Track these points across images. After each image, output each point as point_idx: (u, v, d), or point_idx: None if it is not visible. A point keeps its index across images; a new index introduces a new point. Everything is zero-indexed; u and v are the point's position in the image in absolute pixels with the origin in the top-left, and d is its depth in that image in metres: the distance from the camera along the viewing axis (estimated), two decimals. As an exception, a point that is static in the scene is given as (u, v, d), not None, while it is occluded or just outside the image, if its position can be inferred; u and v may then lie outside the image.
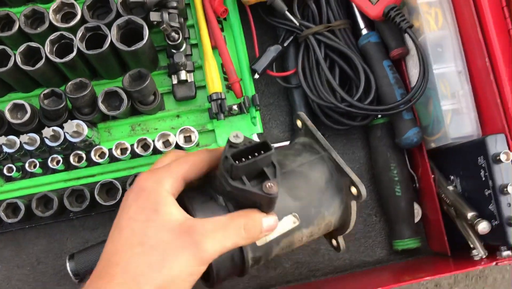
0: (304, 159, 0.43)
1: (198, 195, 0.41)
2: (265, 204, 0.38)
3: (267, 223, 0.38)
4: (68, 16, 0.53)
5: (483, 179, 0.47)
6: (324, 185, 0.42)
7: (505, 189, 0.44)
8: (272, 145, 0.36)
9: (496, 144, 0.46)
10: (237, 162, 0.36)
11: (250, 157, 0.36)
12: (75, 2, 0.52)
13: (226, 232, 0.37)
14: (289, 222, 0.40)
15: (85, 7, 0.52)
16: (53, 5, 0.52)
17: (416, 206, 0.57)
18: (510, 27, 0.47)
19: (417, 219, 0.57)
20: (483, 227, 0.46)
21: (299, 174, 0.42)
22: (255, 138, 0.56)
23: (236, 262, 0.41)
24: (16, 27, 0.51)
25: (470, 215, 0.48)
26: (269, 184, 0.36)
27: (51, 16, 0.51)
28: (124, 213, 0.37)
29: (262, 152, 0.36)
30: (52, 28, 0.51)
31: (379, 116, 0.56)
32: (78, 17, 0.51)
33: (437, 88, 0.50)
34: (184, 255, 0.35)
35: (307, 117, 0.45)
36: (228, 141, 0.36)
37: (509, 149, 0.46)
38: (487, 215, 0.47)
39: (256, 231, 0.38)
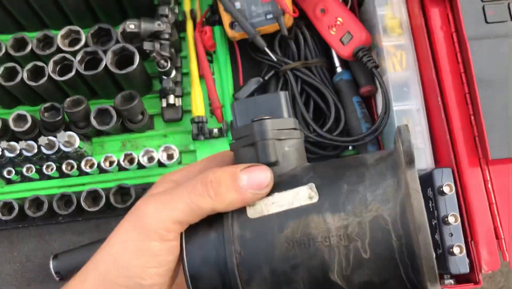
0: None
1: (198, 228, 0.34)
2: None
3: (250, 175, 0.29)
4: (75, 41, 0.60)
5: (431, 209, 0.50)
6: (373, 162, 0.30)
7: (446, 219, 0.47)
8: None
9: (442, 177, 0.49)
10: None
11: None
12: (81, 30, 0.59)
13: (176, 191, 0.30)
14: (301, 194, 0.29)
15: (89, 34, 0.60)
16: (62, 31, 0.59)
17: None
18: (462, 70, 0.50)
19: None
20: (427, 254, 0.48)
21: (342, 159, 0.33)
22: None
23: (218, 251, 0.29)
24: (28, 49, 0.59)
25: (418, 243, 0.51)
26: (259, 116, 0.31)
27: (59, 40, 0.59)
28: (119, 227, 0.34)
29: None
30: (59, 51, 0.59)
31: (350, 148, 0.60)
32: (82, 42, 0.59)
33: (395, 124, 0.54)
34: (125, 230, 0.31)
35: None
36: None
37: (455, 182, 0.49)
38: (434, 245, 0.50)
39: (228, 187, 0.29)
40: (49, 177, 0.61)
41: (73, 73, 0.56)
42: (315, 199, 0.29)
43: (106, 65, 0.56)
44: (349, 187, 0.29)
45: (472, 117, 0.50)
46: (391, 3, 0.56)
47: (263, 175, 0.29)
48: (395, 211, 0.27)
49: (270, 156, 0.30)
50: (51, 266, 0.58)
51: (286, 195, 0.29)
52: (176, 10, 0.63)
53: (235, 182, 0.29)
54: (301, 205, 0.29)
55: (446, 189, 0.48)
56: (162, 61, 0.58)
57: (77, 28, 0.59)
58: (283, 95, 0.32)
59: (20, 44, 0.60)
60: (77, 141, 0.57)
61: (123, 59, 0.57)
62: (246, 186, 0.29)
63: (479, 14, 0.50)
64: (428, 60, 0.52)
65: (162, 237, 0.29)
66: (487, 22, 0.50)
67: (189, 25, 0.63)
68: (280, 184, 0.30)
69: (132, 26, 0.57)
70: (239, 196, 0.29)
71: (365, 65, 0.56)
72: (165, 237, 0.30)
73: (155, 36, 0.58)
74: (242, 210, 0.30)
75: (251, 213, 0.30)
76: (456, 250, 0.47)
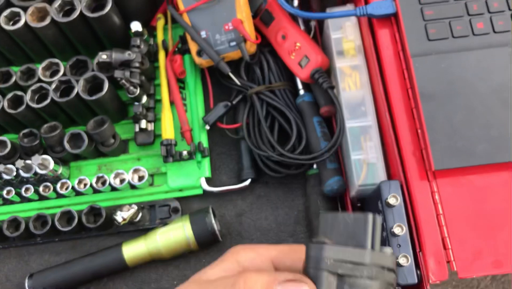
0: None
1: None
2: None
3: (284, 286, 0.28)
4: (55, 73, 0.65)
5: (382, 222, 0.50)
6: None
7: (392, 230, 0.48)
8: (377, 217, 0.27)
9: (389, 189, 0.50)
10: None
11: None
12: (60, 62, 0.64)
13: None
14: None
15: (68, 66, 0.64)
16: (43, 64, 0.64)
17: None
18: (408, 86, 0.52)
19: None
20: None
21: None
22: (203, 183, 0.64)
23: None
24: (12, 80, 0.64)
25: (371, 256, 0.51)
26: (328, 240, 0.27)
27: (41, 72, 0.63)
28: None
29: None
30: (40, 81, 0.63)
31: (314, 166, 0.62)
32: (61, 73, 0.63)
33: (348, 141, 0.55)
34: None
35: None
36: None
37: (403, 194, 0.50)
38: (386, 257, 0.50)
39: None
40: (29, 200, 0.64)
41: (48, 100, 0.60)
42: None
43: (78, 92, 0.60)
44: None
45: (419, 131, 0.51)
46: (345, 27, 0.58)
47: None
48: None
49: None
50: (26, 285, 0.60)
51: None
52: (152, 42, 0.68)
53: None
54: None
55: (392, 201, 0.49)
56: (132, 88, 0.61)
57: (56, 60, 0.64)
58: (370, 220, 0.27)
59: (6, 76, 0.65)
60: (51, 164, 0.60)
61: (96, 86, 0.61)
62: None
63: (421, 33, 0.52)
64: (378, 78, 0.54)
65: None
66: (429, 40, 0.52)
67: (161, 55, 0.67)
68: None
69: (104, 57, 0.61)
70: None
71: (321, 86, 0.58)
72: None
73: (126, 65, 0.62)
74: None
75: None
76: (402, 260, 0.47)
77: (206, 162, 0.64)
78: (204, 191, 0.64)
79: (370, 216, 0.27)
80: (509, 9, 0.52)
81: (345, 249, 0.26)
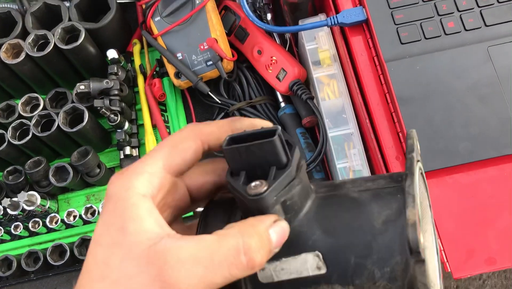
0: (374, 185, 0.29)
1: (220, 208, 0.31)
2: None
3: (276, 233, 0.27)
4: (35, 107, 0.64)
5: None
6: (381, 226, 0.27)
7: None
8: (280, 131, 0.27)
9: (376, 195, 0.50)
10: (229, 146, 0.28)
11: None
12: (39, 96, 0.64)
13: (212, 261, 0.25)
14: (309, 263, 0.27)
15: (47, 99, 0.64)
16: (22, 99, 0.64)
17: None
18: (386, 91, 0.52)
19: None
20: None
21: (349, 201, 0.29)
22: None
23: None
24: (-8, 119, 0.63)
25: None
26: (255, 183, 0.26)
27: (20, 108, 0.63)
28: (94, 233, 0.27)
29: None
30: (21, 117, 0.63)
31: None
32: (41, 107, 0.63)
33: (332, 150, 0.55)
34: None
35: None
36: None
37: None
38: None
39: (261, 248, 0.26)
40: (20, 237, 0.64)
41: (29, 136, 0.60)
42: (323, 270, 0.27)
43: (58, 125, 0.60)
44: (356, 260, 0.27)
45: (400, 135, 0.51)
46: (318, 37, 0.59)
47: (285, 231, 0.27)
48: None
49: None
50: (23, 323, 0.60)
51: (294, 262, 0.27)
52: (130, 67, 0.68)
53: (269, 244, 0.26)
54: (310, 275, 0.27)
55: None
56: (112, 116, 0.61)
57: (35, 95, 0.64)
58: (277, 141, 0.27)
59: (-14, 115, 0.65)
60: (38, 199, 0.60)
61: (76, 118, 0.61)
62: (274, 245, 0.27)
63: (394, 37, 0.53)
64: (355, 85, 0.54)
65: None
66: (402, 43, 0.52)
67: (140, 80, 0.67)
68: (287, 243, 0.28)
69: (82, 87, 0.61)
70: (268, 258, 0.27)
71: (300, 98, 0.58)
72: None
73: (105, 93, 0.62)
74: (253, 273, 0.27)
75: (262, 277, 0.28)
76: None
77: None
78: (194, 212, 0.64)
79: (275, 138, 0.27)
80: (478, 6, 0.53)
81: (279, 182, 0.27)
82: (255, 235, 0.26)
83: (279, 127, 0.27)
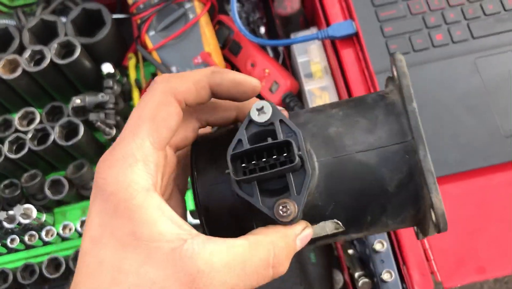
0: (378, 140, 0.27)
1: (210, 162, 0.28)
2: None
3: (301, 241, 0.27)
4: (32, 121, 0.65)
5: (364, 240, 0.51)
6: (394, 190, 0.27)
7: (373, 247, 0.48)
8: (301, 149, 0.25)
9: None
10: (240, 161, 0.26)
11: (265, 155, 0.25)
12: (35, 110, 0.65)
13: (244, 270, 0.24)
14: (328, 227, 0.28)
15: (44, 113, 0.65)
16: (18, 113, 0.64)
17: (338, 273, 0.61)
18: (376, 103, 0.53)
19: (338, 287, 0.60)
20: (361, 284, 0.49)
21: (357, 166, 0.27)
22: (187, 216, 0.64)
23: None
24: (-10, 133, 0.64)
25: (356, 274, 0.51)
26: (283, 205, 0.25)
27: (17, 122, 0.64)
28: (87, 233, 0.25)
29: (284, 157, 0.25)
30: (17, 131, 0.64)
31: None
32: (37, 121, 0.64)
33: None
34: None
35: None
36: (248, 116, 0.26)
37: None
38: (370, 274, 0.50)
39: (287, 260, 0.26)
40: (16, 250, 0.64)
41: (26, 150, 0.61)
42: (341, 229, 0.28)
43: (54, 139, 0.60)
44: (372, 218, 0.28)
45: (391, 146, 0.52)
46: (310, 50, 0.60)
47: (309, 236, 0.27)
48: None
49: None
50: (19, 336, 0.60)
51: (313, 228, 0.28)
52: (125, 81, 0.69)
53: (294, 252, 0.26)
54: (328, 233, 0.28)
55: (369, 217, 0.49)
56: (107, 129, 0.62)
57: (32, 109, 0.65)
58: (298, 163, 0.25)
59: (-17, 130, 0.65)
60: (34, 213, 0.60)
61: (72, 131, 0.62)
62: (299, 248, 0.27)
63: (383, 49, 0.54)
64: (346, 97, 0.55)
65: None
66: (391, 56, 0.53)
67: (136, 93, 0.68)
68: (304, 217, 0.27)
69: (78, 101, 0.62)
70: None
71: (292, 110, 0.59)
72: None
73: (100, 107, 0.63)
74: None
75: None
76: (386, 276, 0.48)
77: (189, 195, 0.64)
78: (190, 224, 0.64)
79: (296, 163, 0.25)
80: (465, 19, 0.53)
81: (304, 197, 0.25)
82: (285, 248, 0.25)
83: (293, 141, 0.25)
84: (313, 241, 0.28)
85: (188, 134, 0.29)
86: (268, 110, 0.26)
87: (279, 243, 0.25)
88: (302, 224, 0.27)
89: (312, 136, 0.28)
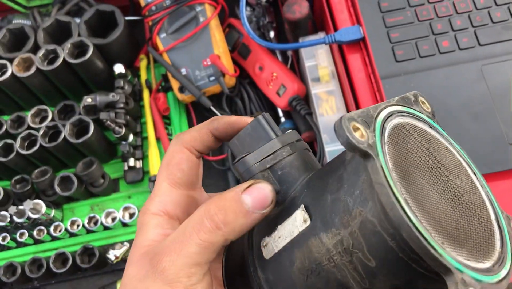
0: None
1: None
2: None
3: (252, 195, 0.28)
4: (44, 119, 0.67)
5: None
6: (350, 158, 0.26)
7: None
8: (264, 115, 0.31)
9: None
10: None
11: None
12: (48, 108, 0.66)
13: (184, 234, 0.28)
14: (297, 219, 0.27)
15: (56, 111, 0.66)
16: (32, 111, 0.66)
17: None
18: (381, 108, 0.54)
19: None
20: None
21: (337, 164, 0.27)
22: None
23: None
24: (3, 129, 0.66)
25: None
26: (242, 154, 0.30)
27: (30, 119, 0.66)
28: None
29: None
30: (30, 128, 0.66)
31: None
32: (49, 119, 0.65)
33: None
34: (145, 284, 0.28)
35: None
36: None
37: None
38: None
39: (227, 212, 0.28)
40: (25, 244, 0.66)
41: (37, 146, 0.62)
42: (309, 221, 0.27)
43: (65, 136, 0.62)
44: (331, 196, 0.26)
45: (395, 150, 0.52)
46: (317, 54, 0.60)
47: (265, 191, 0.28)
48: (377, 210, 0.23)
49: None
50: (25, 328, 0.61)
51: (287, 225, 0.28)
52: (136, 82, 0.70)
53: (241, 207, 0.28)
54: (299, 231, 0.27)
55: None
56: (117, 128, 0.63)
57: (44, 107, 0.66)
58: (262, 119, 0.30)
59: (-3, 126, 0.67)
60: (43, 208, 0.62)
61: (82, 129, 0.63)
62: (251, 207, 0.28)
63: (389, 55, 0.54)
64: (352, 102, 0.56)
65: (186, 284, 0.28)
66: (397, 61, 0.53)
67: (146, 94, 0.69)
68: (283, 212, 0.29)
69: (89, 100, 0.64)
70: (248, 220, 0.28)
71: (299, 113, 0.60)
72: (189, 283, 0.28)
73: (111, 106, 0.64)
74: (259, 253, 0.29)
75: (266, 253, 0.29)
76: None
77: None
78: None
79: (259, 117, 0.30)
80: (472, 26, 0.54)
81: (261, 149, 0.29)
82: (218, 201, 0.28)
83: (265, 114, 0.31)
84: (289, 256, 0.27)
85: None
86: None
87: (212, 201, 0.28)
88: (249, 182, 0.29)
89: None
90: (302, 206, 0.27)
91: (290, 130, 0.31)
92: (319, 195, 0.27)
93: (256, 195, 0.28)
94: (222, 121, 0.33)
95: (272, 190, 0.29)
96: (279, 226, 0.28)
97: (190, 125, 0.70)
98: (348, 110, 0.58)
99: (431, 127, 0.30)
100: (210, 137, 0.33)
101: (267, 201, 0.28)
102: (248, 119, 0.32)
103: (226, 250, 0.33)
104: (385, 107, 0.27)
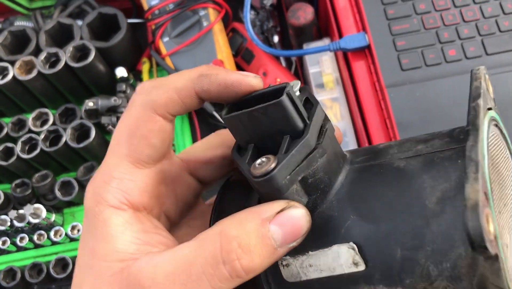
0: (426, 148, 0.23)
1: (237, 190, 0.26)
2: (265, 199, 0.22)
3: (283, 226, 0.21)
4: (46, 122, 0.66)
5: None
6: (435, 206, 0.20)
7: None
8: (291, 88, 0.22)
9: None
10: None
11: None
12: (49, 111, 0.66)
13: (190, 277, 0.21)
14: (343, 257, 0.22)
15: (57, 114, 0.66)
16: (33, 114, 0.65)
17: None
18: (386, 116, 0.53)
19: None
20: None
21: (393, 172, 0.22)
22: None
23: None
24: (4, 132, 0.65)
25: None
26: (261, 159, 0.21)
27: (31, 122, 0.65)
28: None
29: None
30: (31, 132, 0.65)
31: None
32: (50, 122, 0.65)
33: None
34: None
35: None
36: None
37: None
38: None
39: (252, 256, 0.21)
40: (25, 248, 0.65)
41: (38, 150, 0.62)
42: (362, 266, 0.21)
43: (66, 141, 0.61)
44: (404, 252, 0.20)
45: (399, 160, 0.51)
46: (322, 61, 0.60)
47: (300, 221, 0.21)
48: None
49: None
50: (24, 334, 0.61)
51: (324, 257, 0.22)
52: (138, 85, 0.69)
53: (269, 245, 0.21)
54: (345, 272, 0.21)
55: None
56: (119, 133, 0.63)
57: (45, 110, 0.66)
58: (286, 101, 0.21)
59: (-2, 128, 0.67)
60: (44, 213, 0.61)
61: (84, 133, 0.63)
62: (280, 242, 0.21)
63: (395, 63, 0.53)
64: (356, 109, 0.55)
65: None
66: (402, 70, 0.53)
67: (148, 98, 0.68)
68: (314, 232, 0.22)
69: (91, 104, 0.63)
70: (273, 259, 0.21)
71: (303, 120, 0.59)
72: None
73: (113, 110, 0.64)
74: (276, 270, 0.23)
75: (286, 275, 0.23)
76: None
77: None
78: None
79: (284, 98, 0.21)
80: (480, 35, 0.53)
81: (291, 156, 0.21)
82: (239, 236, 0.20)
83: (290, 83, 0.21)
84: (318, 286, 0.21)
85: (214, 163, 0.27)
86: (297, 86, 0.23)
87: (229, 232, 0.21)
88: (279, 205, 0.21)
89: (357, 151, 0.24)
90: (352, 243, 0.21)
91: (317, 104, 0.23)
92: (380, 240, 0.21)
93: (289, 228, 0.21)
94: (216, 81, 0.24)
95: (307, 216, 0.22)
96: (310, 252, 0.22)
97: (192, 130, 0.69)
98: (352, 118, 0.57)
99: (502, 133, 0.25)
100: (194, 100, 0.24)
101: (300, 233, 0.22)
102: (252, 80, 0.23)
103: None
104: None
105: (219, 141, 0.27)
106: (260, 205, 0.22)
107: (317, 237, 0.22)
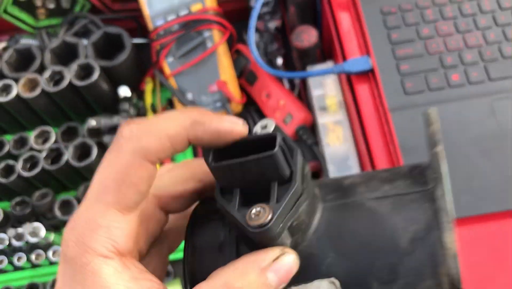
0: (392, 189, 0.25)
1: (210, 224, 0.26)
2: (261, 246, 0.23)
3: (278, 273, 0.23)
4: (48, 140, 0.66)
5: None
6: (408, 246, 0.23)
7: None
8: (281, 140, 0.23)
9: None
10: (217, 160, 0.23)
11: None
12: (51, 129, 0.66)
13: None
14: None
15: (59, 133, 0.66)
16: (35, 132, 0.65)
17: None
18: (389, 140, 0.53)
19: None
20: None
21: (366, 212, 0.24)
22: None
23: None
24: (6, 150, 0.65)
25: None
26: (256, 209, 0.22)
27: (33, 140, 0.65)
28: None
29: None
30: (32, 150, 0.65)
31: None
32: (52, 140, 0.65)
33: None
34: None
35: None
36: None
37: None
38: None
39: None
40: (22, 268, 0.64)
41: (39, 169, 0.61)
42: None
43: (68, 159, 0.61)
44: (380, 286, 0.23)
45: (402, 184, 0.51)
46: (325, 84, 0.60)
47: (291, 265, 0.23)
48: None
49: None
50: None
51: None
52: (141, 105, 0.69)
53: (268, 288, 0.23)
54: None
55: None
56: (120, 152, 0.62)
57: (47, 128, 0.65)
58: (279, 154, 0.22)
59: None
60: (43, 232, 0.61)
61: (85, 152, 0.63)
62: (275, 286, 0.23)
63: (398, 87, 0.53)
64: (359, 133, 0.55)
65: None
66: (406, 94, 0.53)
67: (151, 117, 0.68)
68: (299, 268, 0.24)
69: (93, 123, 0.63)
70: None
71: (305, 143, 0.59)
72: None
73: (115, 129, 0.64)
74: None
75: None
76: None
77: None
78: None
79: (276, 152, 0.22)
80: (483, 60, 0.53)
81: (286, 205, 0.22)
82: (243, 288, 0.22)
83: (279, 135, 0.23)
84: None
85: (184, 196, 0.27)
86: (271, 126, 0.24)
87: (236, 283, 0.22)
88: (275, 252, 0.23)
89: (324, 185, 0.26)
90: (333, 279, 0.23)
91: (297, 152, 0.24)
92: (359, 276, 0.23)
93: (283, 273, 0.23)
94: (209, 129, 0.23)
95: (297, 259, 0.23)
96: (292, 287, 0.24)
97: (194, 150, 0.69)
98: (356, 141, 0.57)
99: None
100: (185, 146, 0.24)
101: (291, 275, 0.23)
102: (241, 129, 0.24)
103: None
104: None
105: (189, 174, 0.27)
106: (257, 253, 0.23)
107: (299, 272, 0.24)
